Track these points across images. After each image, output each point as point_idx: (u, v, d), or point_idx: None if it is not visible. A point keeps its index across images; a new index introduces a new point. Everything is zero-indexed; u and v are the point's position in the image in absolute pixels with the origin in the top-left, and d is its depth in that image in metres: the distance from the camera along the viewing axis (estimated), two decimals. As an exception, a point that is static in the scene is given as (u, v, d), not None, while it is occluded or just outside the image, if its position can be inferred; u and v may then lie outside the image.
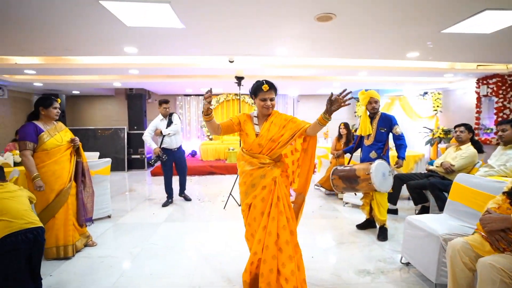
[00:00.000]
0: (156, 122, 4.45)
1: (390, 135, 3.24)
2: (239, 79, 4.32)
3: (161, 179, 6.70)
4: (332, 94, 1.82)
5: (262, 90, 2.01)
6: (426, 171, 3.92)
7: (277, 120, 2.08)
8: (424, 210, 3.72)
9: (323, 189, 5.22)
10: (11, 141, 5.01)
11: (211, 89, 1.84)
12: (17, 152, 3.64)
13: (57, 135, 2.77)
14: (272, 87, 2.05)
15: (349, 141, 5.06)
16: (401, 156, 3.13)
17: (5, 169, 3.11)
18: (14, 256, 1.63)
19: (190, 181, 6.44)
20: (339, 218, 3.90)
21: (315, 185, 5.54)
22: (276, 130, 2.03)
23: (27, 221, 1.70)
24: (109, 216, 3.93)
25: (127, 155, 7.97)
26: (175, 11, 2.57)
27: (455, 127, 3.68)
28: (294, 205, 2.16)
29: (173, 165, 4.63)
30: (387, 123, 3.19)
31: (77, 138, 2.92)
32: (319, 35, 3.36)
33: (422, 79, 6.65)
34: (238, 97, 4.35)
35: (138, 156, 8.10)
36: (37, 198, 2.62)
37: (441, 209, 3.10)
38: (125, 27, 3.02)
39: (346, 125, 5.13)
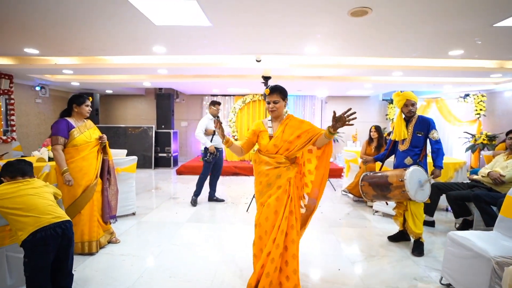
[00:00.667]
0: (206, 121, 4.50)
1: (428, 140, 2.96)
2: (266, 79, 4.20)
3: (185, 178, 6.77)
4: (335, 113, 1.95)
5: (266, 94, 2.17)
6: (468, 181, 3.56)
7: (292, 123, 2.15)
8: (466, 224, 3.37)
9: (351, 195, 4.96)
10: (48, 137, 5.27)
11: (218, 118, 2.18)
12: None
13: (86, 132, 2.84)
14: (275, 91, 2.15)
15: (381, 145, 4.77)
16: (438, 165, 2.84)
17: (39, 164, 3.25)
18: (44, 251, 1.64)
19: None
20: (368, 227, 3.65)
21: (342, 190, 5.29)
22: (291, 131, 2.11)
23: (54, 216, 1.71)
24: (133, 214, 3.97)
25: (154, 153, 8.16)
26: (202, 8, 2.51)
27: (507, 133, 3.29)
28: (306, 209, 2.23)
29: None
30: (425, 126, 2.92)
31: (104, 136, 2.95)
32: (352, 32, 3.16)
33: (464, 80, 6.13)
34: (264, 98, 4.19)
35: (165, 155, 8.25)
36: (65, 193, 2.69)
37: (488, 224, 2.77)
38: (153, 26, 3.02)
39: (377, 129, 4.84)
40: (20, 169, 1.80)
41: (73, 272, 1.94)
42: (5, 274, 1.82)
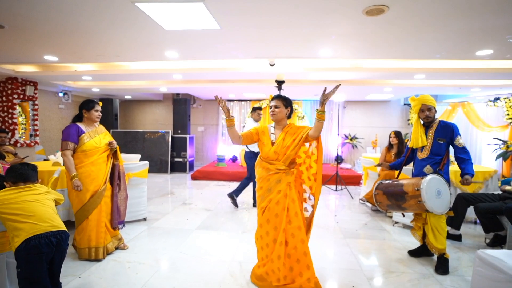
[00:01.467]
0: (253, 125, 4.57)
1: (450, 147, 2.72)
2: (280, 83, 4.09)
3: (200, 183, 6.74)
4: (325, 89, 2.07)
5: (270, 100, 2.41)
6: (500, 192, 3.25)
7: (291, 130, 2.29)
8: (498, 240, 3.07)
9: (369, 205, 4.71)
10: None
11: (216, 96, 2.37)
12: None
13: (96, 137, 2.83)
14: (278, 97, 2.37)
15: (401, 152, 4.50)
16: (469, 172, 2.59)
17: (54, 167, 3.30)
18: (38, 259, 1.60)
19: (229, 187, 6.35)
20: (387, 240, 3.41)
21: (360, 199, 5.05)
22: (290, 138, 2.25)
23: (51, 224, 1.67)
24: (144, 219, 3.95)
25: (171, 158, 8.22)
26: (210, 10, 2.45)
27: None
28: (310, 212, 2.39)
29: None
30: (447, 133, 2.67)
31: (114, 142, 2.93)
32: (368, 32, 3.00)
33: (494, 82, 5.73)
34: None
35: (181, 159, 8.30)
36: (74, 198, 2.69)
37: (523, 242, 2.49)
38: (163, 31, 3.01)
39: (397, 134, 4.58)
40: (22, 174, 1.78)
41: (78, 277, 1.89)
42: (5, 280, 1.80)
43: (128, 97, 9.18)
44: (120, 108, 9.44)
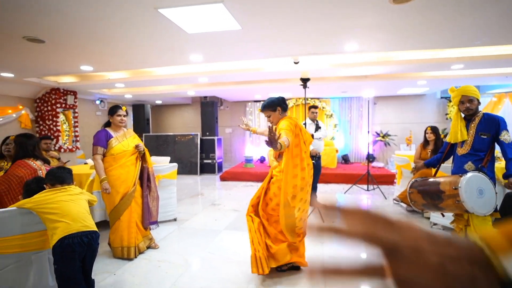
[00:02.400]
0: (308, 127, 4.44)
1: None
2: (305, 81, 4.01)
3: (229, 184, 6.82)
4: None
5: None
6: (556, 190, 2.91)
7: (280, 127, 2.38)
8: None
9: (404, 205, 4.46)
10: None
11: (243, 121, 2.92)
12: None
13: (124, 141, 2.95)
14: (264, 108, 2.51)
15: (438, 149, 4.20)
16: None
17: (91, 171, 3.50)
18: (71, 257, 1.70)
19: (257, 187, 6.34)
20: (424, 242, 3.19)
21: (394, 199, 4.80)
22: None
23: (83, 224, 1.77)
24: (175, 219, 4.06)
25: (200, 159, 8.41)
26: (230, 10, 2.46)
27: None
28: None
29: None
30: (492, 126, 2.41)
31: (141, 145, 3.02)
32: (396, 22, 2.83)
33: (546, 70, 5.18)
34: (304, 101, 4.04)
35: (210, 161, 8.45)
36: (106, 200, 2.84)
37: None
38: (186, 35, 3.07)
39: (434, 130, 4.29)
40: (59, 177, 1.91)
41: (113, 274, 1.98)
42: (48, 275, 1.94)
43: (158, 102, 9.55)
44: (151, 113, 9.85)
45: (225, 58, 4.11)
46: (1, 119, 5.77)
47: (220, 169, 8.64)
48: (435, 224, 3.63)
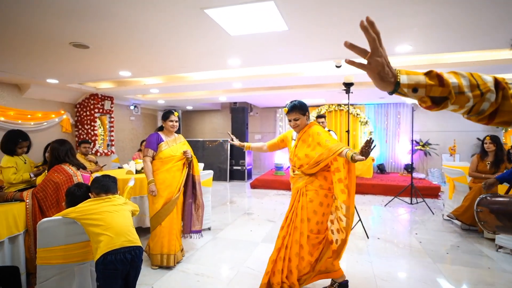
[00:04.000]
0: None
1: None
2: (348, 85, 3.76)
3: (259, 192, 6.63)
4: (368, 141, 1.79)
5: (285, 113, 2.25)
6: None
7: (305, 137, 2.20)
8: None
9: (458, 223, 4.02)
10: (137, 150, 5.80)
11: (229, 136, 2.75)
12: (139, 160, 4.09)
13: (174, 146, 2.92)
14: (293, 109, 2.18)
15: (500, 160, 3.77)
16: None
17: (128, 176, 3.46)
18: (113, 275, 1.58)
19: (289, 196, 6.10)
20: (492, 269, 2.79)
21: (447, 215, 4.36)
22: (303, 148, 2.17)
23: (127, 239, 1.65)
24: (209, 229, 3.93)
25: (230, 166, 8.31)
26: (279, 9, 2.30)
27: None
28: (346, 220, 2.08)
29: None
30: None
31: (188, 151, 2.96)
32: (453, 18, 2.53)
33: None
34: (347, 107, 3.81)
35: (239, 167, 8.33)
36: (150, 204, 2.80)
37: None
38: (229, 38, 2.96)
39: (494, 139, 3.85)
40: (104, 186, 1.82)
41: (151, 287, 1.86)
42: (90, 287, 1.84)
43: (189, 107, 9.63)
44: (182, 118, 9.95)
45: (264, 63, 3.97)
46: (45, 123, 6.01)
47: (249, 176, 8.49)
48: (501, 247, 3.20)
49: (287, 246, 2.14)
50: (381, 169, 8.23)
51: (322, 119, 4.47)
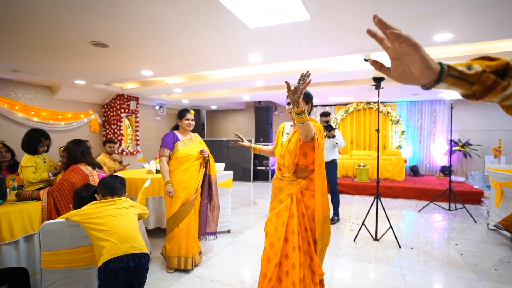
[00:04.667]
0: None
1: None
2: (378, 80, 3.45)
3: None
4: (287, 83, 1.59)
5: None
6: None
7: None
8: None
9: (507, 233, 3.55)
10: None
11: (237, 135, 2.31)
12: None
13: (190, 145, 2.83)
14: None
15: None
16: None
17: (148, 175, 3.41)
18: (114, 284, 1.47)
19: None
20: (553, 290, 2.39)
21: (493, 225, 3.89)
22: (296, 140, 1.80)
23: (131, 245, 1.53)
24: (228, 231, 3.80)
25: (253, 166, 8.17)
26: (301, -4, 2.09)
27: None
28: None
29: None
30: None
31: (205, 150, 2.85)
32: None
33: None
34: (377, 105, 3.48)
35: (263, 168, 8.16)
36: (167, 205, 2.73)
37: None
38: (248, 30, 2.80)
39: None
40: (110, 188, 1.73)
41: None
42: (96, 294, 1.75)
43: (213, 107, 9.63)
44: (206, 118, 9.97)
45: (286, 58, 3.76)
46: (74, 123, 6.23)
47: (273, 176, 8.29)
48: (562, 264, 2.74)
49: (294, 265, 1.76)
50: (414, 171, 7.67)
51: (327, 118, 4.19)
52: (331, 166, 4.17)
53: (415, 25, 2.66)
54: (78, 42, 3.13)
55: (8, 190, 2.49)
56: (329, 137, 4.05)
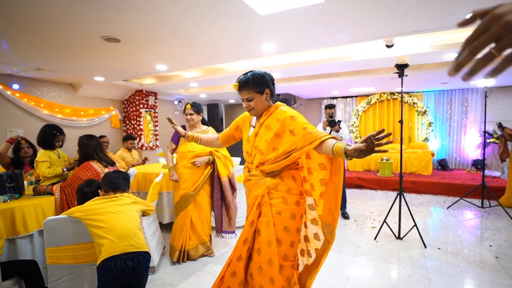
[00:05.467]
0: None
1: None
2: (401, 67, 3.20)
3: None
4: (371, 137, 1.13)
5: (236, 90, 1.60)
6: None
7: (270, 122, 1.57)
8: None
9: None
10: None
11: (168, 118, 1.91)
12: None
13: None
14: (245, 85, 1.55)
15: None
16: None
17: (163, 170, 3.41)
18: (111, 284, 1.43)
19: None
20: None
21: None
22: (267, 137, 1.54)
23: (130, 244, 1.48)
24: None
25: (271, 160, 8.05)
26: (312, -25, 1.93)
27: None
28: (323, 241, 1.57)
29: None
30: None
31: (197, 160, 2.75)
32: None
33: None
34: (401, 95, 3.30)
35: (281, 162, 8.02)
36: (174, 194, 2.83)
37: None
38: (258, 18, 2.65)
39: None
40: (112, 183, 1.69)
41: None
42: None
43: (231, 101, 9.57)
44: (225, 112, 9.94)
45: (301, 47, 3.57)
46: (96, 119, 6.40)
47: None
48: None
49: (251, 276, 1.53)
50: (442, 165, 7.22)
51: (332, 110, 3.95)
52: None
53: (444, 7, 2.39)
54: (91, 38, 3.13)
55: (26, 184, 2.56)
56: (335, 131, 3.86)
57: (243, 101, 1.61)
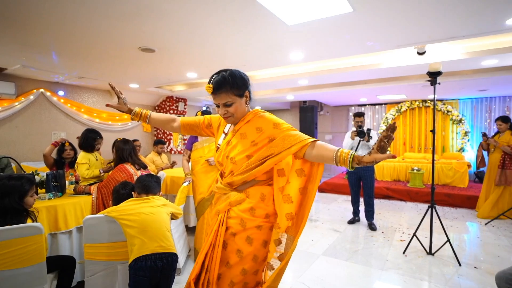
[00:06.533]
0: (347, 142, 4.03)
1: None
2: (434, 75, 3.08)
3: (327, 197, 6.16)
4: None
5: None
6: None
7: (246, 130, 1.35)
8: None
9: None
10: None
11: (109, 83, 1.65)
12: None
13: (205, 147, 2.92)
14: (220, 87, 1.28)
15: None
16: None
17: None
18: (142, 281, 1.52)
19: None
20: None
21: None
22: (242, 146, 1.33)
23: (160, 245, 1.57)
24: (267, 233, 3.74)
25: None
26: (340, -14, 1.95)
27: None
28: (280, 256, 1.33)
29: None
30: None
31: (211, 159, 2.84)
32: None
33: None
34: (433, 103, 3.16)
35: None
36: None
37: None
38: (286, 28, 2.71)
39: None
40: (145, 186, 1.79)
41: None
42: None
43: (258, 107, 9.63)
44: (251, 119, 10.06)
45: (329, 55, 3.57)
46: (129, 124, 6.75)
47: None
48: None
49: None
50: (480, 177, 6.77)
51: (361, 119, 3.82)
52: (370, 168, 4.00)
53: (482, 9, 2.30)
54: (129, 49, 3.35)
55: (67, 183, 2.77)
56: (365, 142, 3.77)
57: (218, 106, 1.34)
